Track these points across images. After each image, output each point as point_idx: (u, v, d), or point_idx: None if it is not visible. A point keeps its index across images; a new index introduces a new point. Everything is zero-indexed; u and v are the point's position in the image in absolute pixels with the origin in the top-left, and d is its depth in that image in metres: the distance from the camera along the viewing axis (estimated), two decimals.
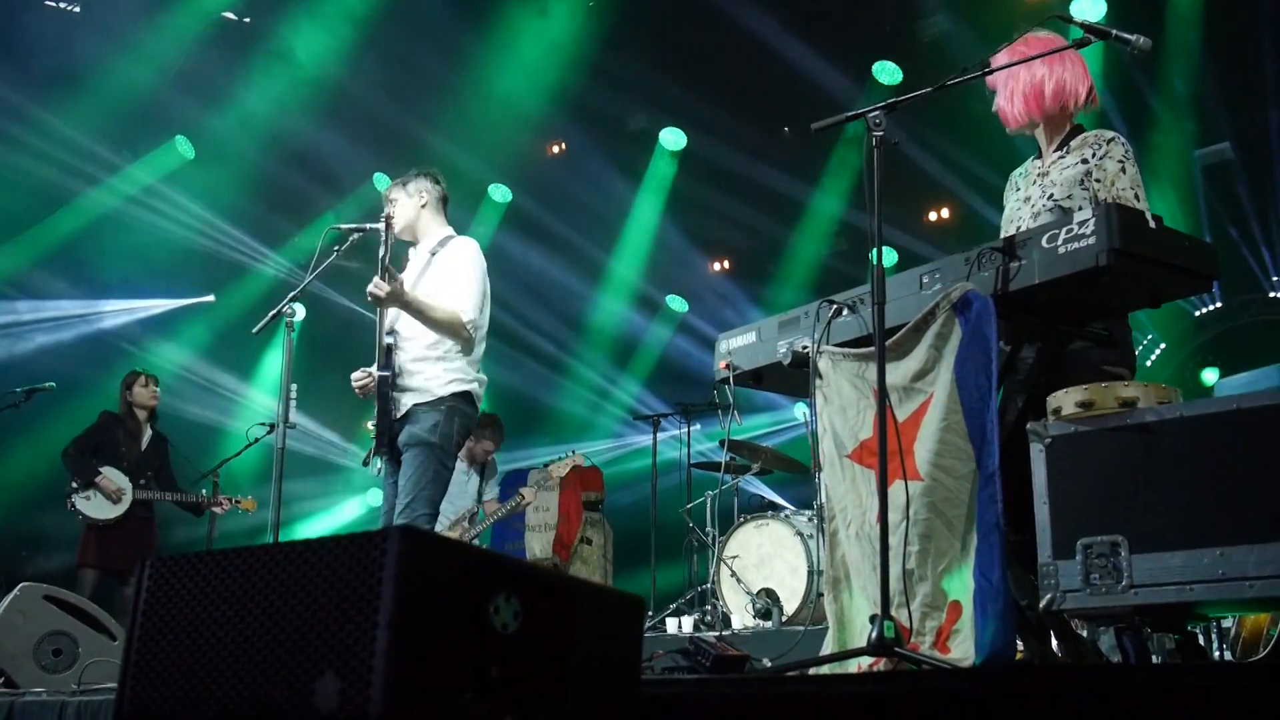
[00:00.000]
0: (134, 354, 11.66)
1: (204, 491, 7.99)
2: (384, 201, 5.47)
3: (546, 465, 8.30)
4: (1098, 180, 3.75)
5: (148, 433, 8.13)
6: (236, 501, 7.99)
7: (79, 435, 7.98)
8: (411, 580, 1.75)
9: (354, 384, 5.21)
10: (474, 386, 5.17)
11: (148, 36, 10.59)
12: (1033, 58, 3.77)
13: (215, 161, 11.82)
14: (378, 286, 4.95)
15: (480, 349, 5.23)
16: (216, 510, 7.92)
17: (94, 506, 7.72)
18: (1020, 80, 3.89)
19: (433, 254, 5.29)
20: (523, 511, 8.95)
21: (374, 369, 5.13)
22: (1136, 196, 3.69)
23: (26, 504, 10.29)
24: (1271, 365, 5.09)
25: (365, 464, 5.28)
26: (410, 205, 5.35)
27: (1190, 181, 10.10)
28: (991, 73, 3.79)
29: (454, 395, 5.08)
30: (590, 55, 10.77)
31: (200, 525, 8.21)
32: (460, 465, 7.67)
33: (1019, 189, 4.04)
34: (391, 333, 5.19)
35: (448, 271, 5.20)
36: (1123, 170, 3.74)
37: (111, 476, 7.79)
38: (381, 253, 5.00)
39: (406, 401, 5.09)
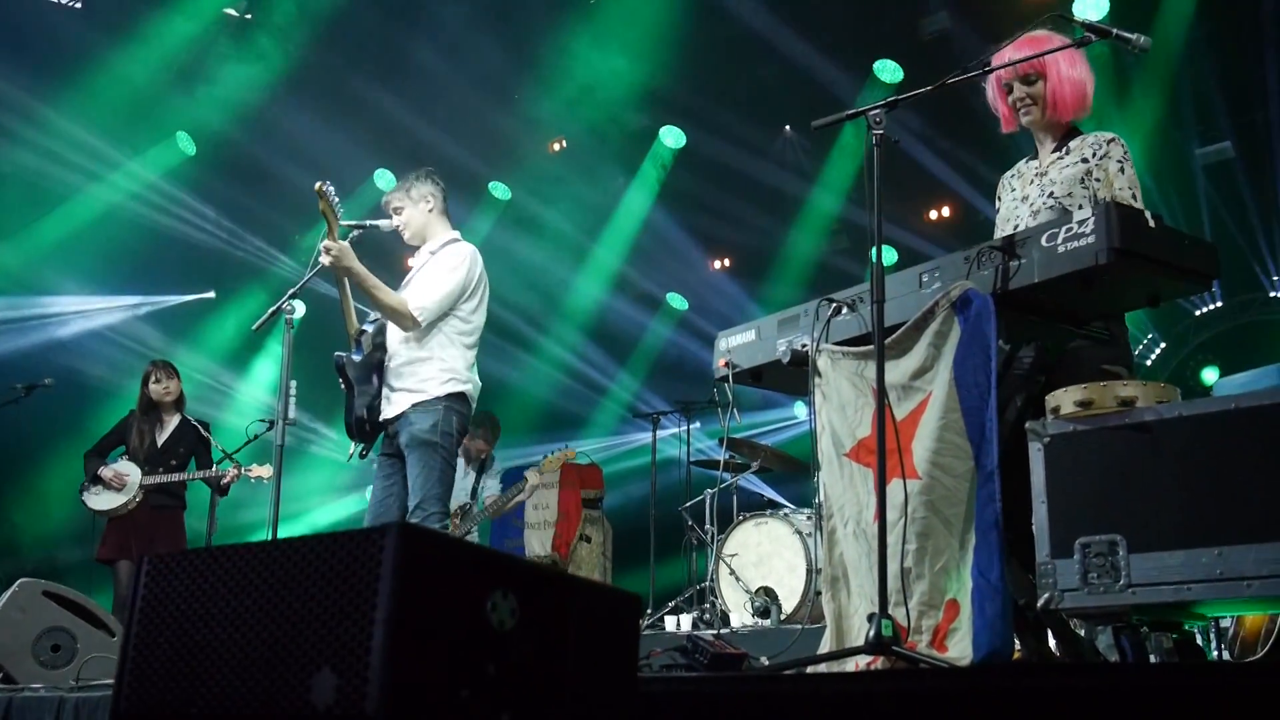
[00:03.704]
0: (134, 349, 11.66)
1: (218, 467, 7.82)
2: (385, 207, 5.46)
3: (543, 461, 8.27)
4: (1097, 180, 3.75)
5: (174, 422, 8.00)
6: (248, 470, 7.77)
7: (103, 435, 7.93)
8: (408, 577, 1.75)
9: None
10: (469, 388, 5.21)
11: (149, 32, 10.60)
12: (1045, 53, 3.74)
13: (216, 158, 11.82)
14: (326, 249, 4.98)
15: (472, 354, 5.27)
16: (226, 480, 7.72)
17: (100, 500, 7.61)
18: (1061, 77, 3.85)
19: (433, 254, 5.31)
20: (522, 509, 8.93)
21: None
22: (1134, 196, 3.70)
23: (33, 501, 10.29)
24: (1271, 365, 5.07)
25: (349, 459, 5.29)
26: (419, 213, 5.37)
27: (1191, 180, 10.08)
28: (990, 71, 3.78)
29: (450, 395, 5.11)
30: (592, 53, 10.75)
31: (199, 521, 8.11)
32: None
33: (1014, 189, 4.02)
34: (380, 344, 5.24)
35: (433, 270, 5.24)
36: (1121, 171, 3.75)
37: (117, 467, 7.70)
38: (345, 220, 5.07)
39: (404, 402, 5.10)
